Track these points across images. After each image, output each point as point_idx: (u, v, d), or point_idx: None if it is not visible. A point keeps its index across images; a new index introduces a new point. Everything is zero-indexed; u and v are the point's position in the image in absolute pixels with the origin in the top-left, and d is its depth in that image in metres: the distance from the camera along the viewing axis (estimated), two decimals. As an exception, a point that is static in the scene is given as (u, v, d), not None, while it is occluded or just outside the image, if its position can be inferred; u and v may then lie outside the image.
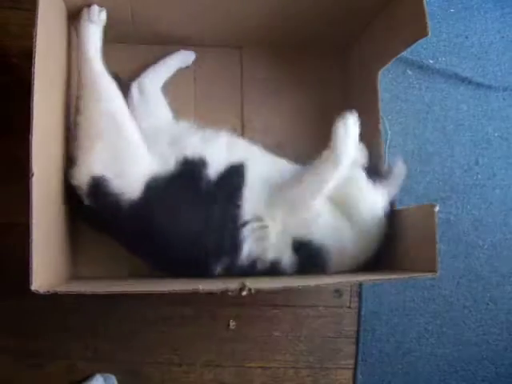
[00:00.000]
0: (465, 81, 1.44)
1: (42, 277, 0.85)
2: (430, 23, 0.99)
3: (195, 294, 1.23)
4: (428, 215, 0.96)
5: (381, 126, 1.19)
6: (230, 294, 0.87)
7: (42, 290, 0.83)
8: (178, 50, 1.30)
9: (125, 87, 1.14)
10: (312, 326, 1.30)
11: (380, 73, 1.19)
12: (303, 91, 1.34)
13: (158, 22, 1.21)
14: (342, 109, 1.27)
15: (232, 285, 0.88)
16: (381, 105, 1.20)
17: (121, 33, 1.22)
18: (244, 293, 0.86)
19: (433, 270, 0.94)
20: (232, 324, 1.27)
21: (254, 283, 0.88)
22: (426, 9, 0.99)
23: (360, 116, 1.26)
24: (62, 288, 0.90)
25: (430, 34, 0.99)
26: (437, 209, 0.95)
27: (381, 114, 1.20)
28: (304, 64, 1.36)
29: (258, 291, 0.87)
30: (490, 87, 1.45)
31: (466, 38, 1.46)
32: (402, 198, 1.34)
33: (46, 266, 0.91)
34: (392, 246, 1.12)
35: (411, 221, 1.08)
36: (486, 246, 1.39)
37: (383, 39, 1.19)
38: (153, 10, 1.15)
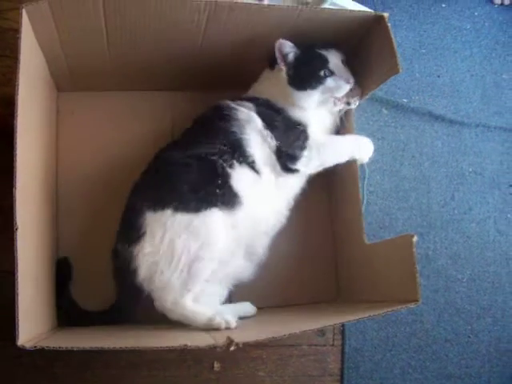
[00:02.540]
0: (438, 118, 1.49)
1: (27, 332, 0.85)
2: (402, 63, 1.03)
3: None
4: (406, 245, 0.97)
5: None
6: (218, 350, 0.89)
7: (28, 346, 0.82)
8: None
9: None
10: (296, 365, 1.30)
11: (354, 110, 1.21)
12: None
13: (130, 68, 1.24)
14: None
15: (220, 340, 0.89)
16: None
17: (97, 81, 1.27)
18: (232, 348, 0.88)
19: (415, 300, 0.94)
20: (216, 366, 1.27)
21: (240, 337, 0.90)
22: (395, 46, 1.03)
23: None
24: (49, 343, 0.88)
25: (401, 71, 1.02)
26: (415, 239, 0.96)
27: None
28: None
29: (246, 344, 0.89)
30: (462, 124, 1.50)
31: (438, 77, 1.52)
32: (382, 235, 1.38)
33: (32, 320, 0.91)
34: (371, 278, 1.15)
35: (390, 252, 1.09)
36: (465, 280, 1.42)
37: (357, 77, 1.21)
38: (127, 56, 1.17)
